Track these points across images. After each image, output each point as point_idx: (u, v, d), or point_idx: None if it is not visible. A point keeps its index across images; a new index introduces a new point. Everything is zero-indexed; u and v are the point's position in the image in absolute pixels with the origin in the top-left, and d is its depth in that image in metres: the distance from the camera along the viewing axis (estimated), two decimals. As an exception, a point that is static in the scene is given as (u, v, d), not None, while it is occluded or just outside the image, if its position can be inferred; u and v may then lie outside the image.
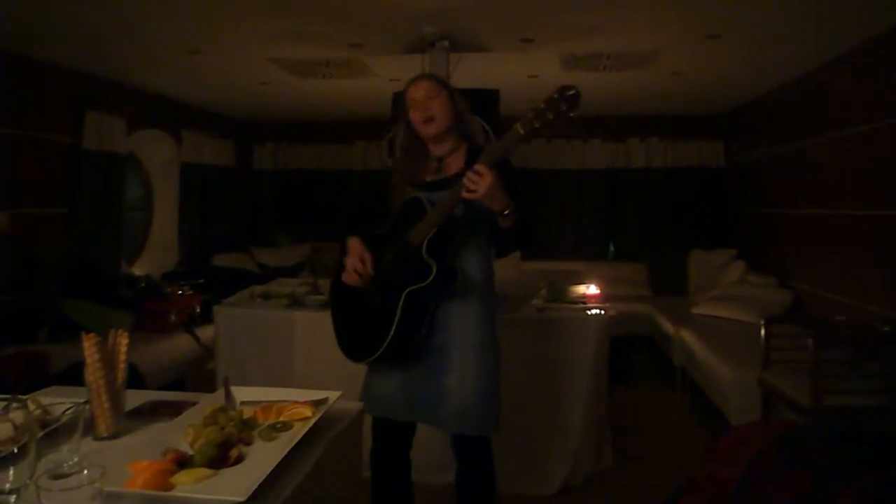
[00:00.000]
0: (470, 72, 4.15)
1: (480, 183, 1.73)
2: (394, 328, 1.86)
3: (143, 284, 4.82)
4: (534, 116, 1.70)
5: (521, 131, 1.72)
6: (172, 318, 4.55)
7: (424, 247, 1.87)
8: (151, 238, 5.89)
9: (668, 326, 5.03)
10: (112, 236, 4.89)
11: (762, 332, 3.44)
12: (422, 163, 2.09)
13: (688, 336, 4.53)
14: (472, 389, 1.94)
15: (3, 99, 3.95)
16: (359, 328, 2.02)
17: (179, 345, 4.42)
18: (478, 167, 1.74)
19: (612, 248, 7.00)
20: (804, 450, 1.17)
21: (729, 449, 1.30)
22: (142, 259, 5.75)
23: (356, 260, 1.95)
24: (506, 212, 1.81)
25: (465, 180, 1.76)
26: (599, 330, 3.05)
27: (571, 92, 1.67)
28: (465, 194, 1.76)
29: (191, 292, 4.85)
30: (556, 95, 1.68)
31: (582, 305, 3.27)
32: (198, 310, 4.80)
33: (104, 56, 4.20)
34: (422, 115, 1.99)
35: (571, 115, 1.69)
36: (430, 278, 1.84)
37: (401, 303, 1.87)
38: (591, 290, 3.49)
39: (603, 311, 3.13)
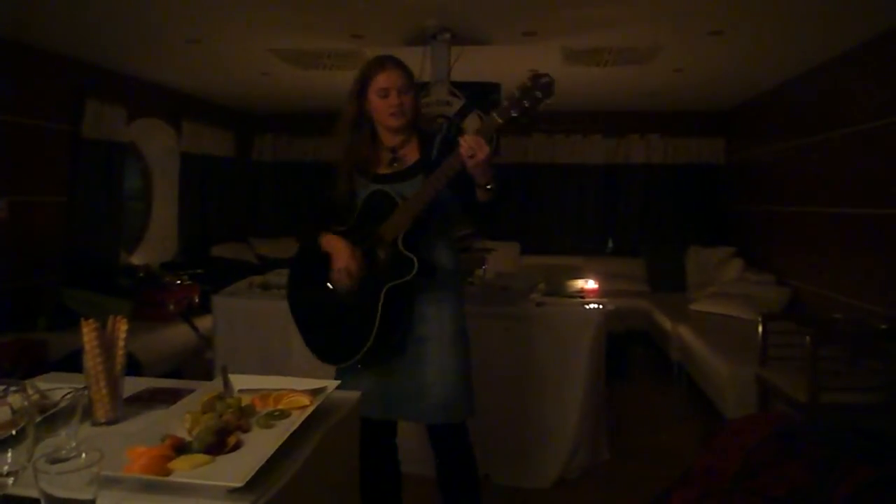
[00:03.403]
0: (471, 65, 4.14)
1: (479, 149, 1.68)
2: (376, 327, 1.83)
3: (141, 274, 4.81)
4: (510, 105, 1.69)
5: (499, 120, 1.70)
6: (171, 307, 4.55)
7: (401, 241, 1.83)
8: (151, 228, 5.87)
9: (665, 322, 5.04)
10: (111, 225, 4.88)
11: (759, 328, 3.45)
12: (373, 152, 2.02)
13: (685, 332, 4.54)
14: (454, 381, 1.94)
15: (2, 86, 3.93)
16: (334, 331, 1.96)
17: (177, 334, 4.42)
18: (469, 137, 1.70)
19: (610, 243, 7.00)
20: (800, 442, 1.17)
21: (724, 441, 1.30)
22: (141, 249, 5.74)
23: (349, 260, 1.87)
24: (489, 186, 1.78)
25: (462, 145, 1.70)
26: (596, 324, 3.06)
27: (545, 79, 1.68)
28: (466, 154, 1.69)
29: (189, 282, 4.85)
30: (529, 83, 1.68)
31: (580, 300, 3.28)
32: (196, 300, 4.79)
33: (105, 44, 4.19)
34: (393, 108, 1.92)
35: (548, 101, 1.69)
36: (414, 272, 1.81)
37: (381, 300, 1.83)
38: (589, 284, 3.49)
39: (600, 306, 3.14)
